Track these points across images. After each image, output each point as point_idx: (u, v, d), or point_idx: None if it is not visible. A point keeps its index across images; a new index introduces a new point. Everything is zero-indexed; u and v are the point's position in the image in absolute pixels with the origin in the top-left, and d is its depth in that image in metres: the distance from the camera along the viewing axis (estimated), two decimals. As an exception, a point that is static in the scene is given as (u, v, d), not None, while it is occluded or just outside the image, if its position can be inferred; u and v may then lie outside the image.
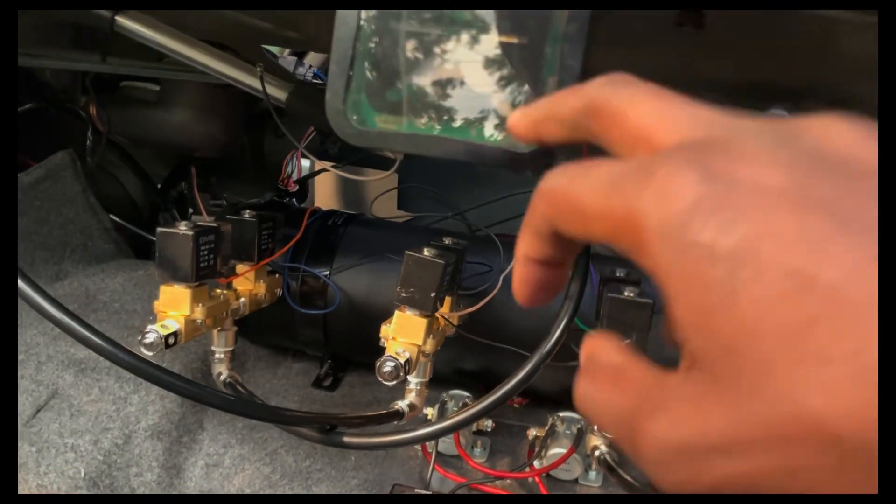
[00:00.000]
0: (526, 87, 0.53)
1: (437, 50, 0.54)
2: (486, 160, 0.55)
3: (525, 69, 0.52)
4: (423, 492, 1.18)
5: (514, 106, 0.54)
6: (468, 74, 0.54)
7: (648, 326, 0.92)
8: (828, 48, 0.84)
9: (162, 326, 1.01)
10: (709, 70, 1.01)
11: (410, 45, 0.54)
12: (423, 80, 0.54)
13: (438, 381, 1.30)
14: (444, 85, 0.54)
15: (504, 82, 0.54)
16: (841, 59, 0.88)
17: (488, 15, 0.52)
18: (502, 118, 0.54)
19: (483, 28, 0.53)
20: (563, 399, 1.34)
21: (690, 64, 0.98)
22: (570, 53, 0.51)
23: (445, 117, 0.54)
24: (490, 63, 0.54)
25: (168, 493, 1.21)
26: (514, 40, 0.51)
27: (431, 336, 1.01)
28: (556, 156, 0.52)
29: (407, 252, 0.97)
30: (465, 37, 0.53)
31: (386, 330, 1.00)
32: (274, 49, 1.70)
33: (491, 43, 0.53)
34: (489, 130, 0.55)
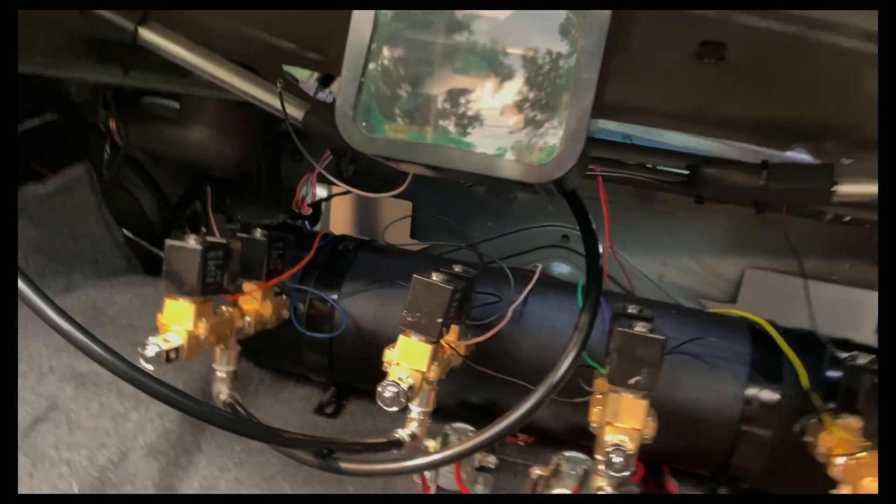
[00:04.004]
0: (542, 101, 0.52)
1: (451, 61, 0.53)
2: (497, 173, 0.54)
3: (541, 83, 0.51)
4: None
5: (528, 121, 0.53)
6: (482, 87, 0.53)
7: (660, 364, 0.89)
8: (851, 87, 0.82)
9: (164, 340, 0.99)
10: (730, 106, 0.99)
11: (425, 55, 0.53)
12: (436, 92, 0.54)
13: (442, 414, 1.27)
14: (457, 97, 0.53)
15: (520, 98, 0.53)
16: (863, 100, 0.86)
17: (504, 30, 0.52)
18: (516, 128, 0.53)
19: (500, 38, 0.52)
20: (569, 438, 1.31)
21: (712, 99, 0.97)
22: (585, 67, 0.50)
23: (457, 127, 0.53)
24: (506, 79, 0.53)
25: (161, 515, 1.18)
26: (529, 53, 0.51)
27: (436, 363, 0.99)
28: (569, 173, 0.50)
29: (415, 275, 0.95)
30: (480, 47, 0.52)
31: (389, 354, 0.98)
32: (303, 74, 1.72)
33: (507, 54, 0.52)
34: (500, 143, 0.54)
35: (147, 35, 1.01)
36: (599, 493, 1.00)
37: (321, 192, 1.73)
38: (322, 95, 1.68)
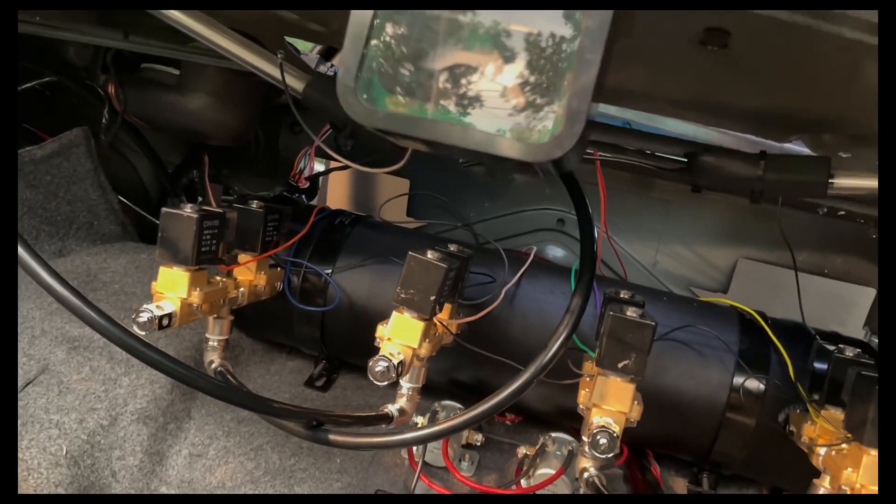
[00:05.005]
0: (543, 81, 0.52)
1: (454, 37, 0.53)
2: (495, 151, 0.54)
3: (543, 64, 0.51)
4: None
5: (529, 101, 0.53)
6: (484, 66, 0.53)
7: (648, 349, 0.90)
8: (852, 80, 0.82)
9: (157, 307, 0.99)
10: (730, 94, 0.99)
11: (428, 31, 0.53)
12: (438, 67, 0.53)
13: (432, 391, 1.28)
14: (458, 75, 0.53)
15: (521, 77, 0.53)
16: (864, 94, 0.86)
17: (509, 9, 0.51)
18: (516, 107, 0.53)
19: (504, 17, 0.52)
20: (556, 419, 1.32)
21: (713, 86, 0.97)
22: (588, 48, 0.50)
23: (458, 104, 0.53)
24: (509, 57, 0.53)
25: (149, 479, 1.19)
26: (533, 31, 0.50)
27: (427, 340, 0.99)
28: (567, 154, 0.51)
29: (410, 253, 0.96)
30: (484, 25, 0.52)
31: (382, 330, 0.98)
32: (305, 46, 1.71)
33: (510, 32, 0.52)
34: (500, 121, 0.54)
35: None
36: (585, 474, 1.01)
37: (319, 166, 1.73)
38: (323, 69, 1.67)
